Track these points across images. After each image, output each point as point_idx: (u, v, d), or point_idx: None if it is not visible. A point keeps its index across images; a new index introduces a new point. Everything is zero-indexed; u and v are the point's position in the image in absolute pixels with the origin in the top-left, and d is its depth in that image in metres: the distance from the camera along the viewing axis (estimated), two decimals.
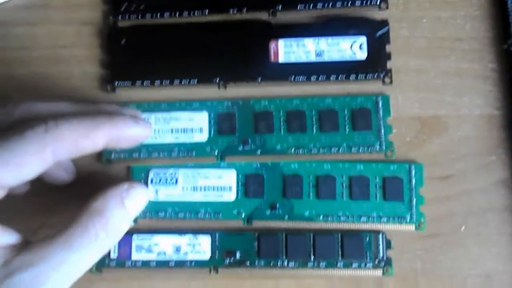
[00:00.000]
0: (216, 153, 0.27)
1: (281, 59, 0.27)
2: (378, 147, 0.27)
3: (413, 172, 0.26)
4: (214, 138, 0.27)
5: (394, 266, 0.26)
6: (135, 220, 0.25)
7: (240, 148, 0.27)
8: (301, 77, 0.27)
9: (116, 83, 0.27)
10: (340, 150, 0.26)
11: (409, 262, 0.26)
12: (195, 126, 0.27)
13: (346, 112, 0.27)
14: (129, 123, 0.22)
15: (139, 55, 0.28)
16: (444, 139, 0.27)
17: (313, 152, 0.26)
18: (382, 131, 0.27)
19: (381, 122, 0.27)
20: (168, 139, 0.27)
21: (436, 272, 0.26)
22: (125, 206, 0.21)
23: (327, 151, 0.26)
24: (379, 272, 0.26)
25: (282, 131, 0.27)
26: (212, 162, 0.27)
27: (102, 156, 0.27)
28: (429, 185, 0.27)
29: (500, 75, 0.28)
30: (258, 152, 0.27)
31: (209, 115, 0.27)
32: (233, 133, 0.27)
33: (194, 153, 0.27)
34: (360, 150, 0.26)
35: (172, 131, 0.27)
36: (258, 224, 0.26)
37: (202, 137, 0.27)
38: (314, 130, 0.27)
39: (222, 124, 0.27)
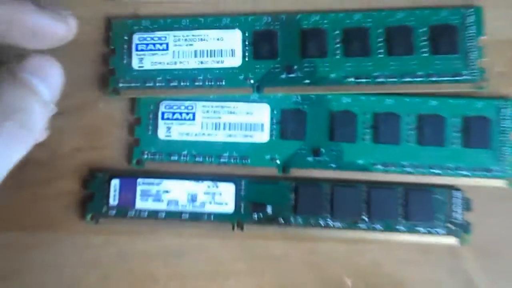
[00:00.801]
0: (251, 83, 0.22)
1: None
2: (466, 76, 0.21)
3: (505, 111, 0.21)
4: (250, 63, 0.22)
5: (474, 233, 0.21)
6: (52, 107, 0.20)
7: (283, 76, 0.22)
8: None
9: None
10: (415, 79, 0.21)
11: (496, 228, 0.22)
12: (225, 47, 0.22)
13: (423, 29, 0.22)
14: (26, 7, 0.17)
15: None
16: None
17: (378, 82, 0.22)
18: (473, 55, 0.21)
19: (471, 43, 0.21)
20: (191, 64, 0.22)
21: None
22: (22, 80, 0.17)
23: (398, 81, 0.21)
24: (453, 240, 0.21)
25: (338, 54, 0.22)
26: (246, 93, 0.22)
27: (108, 84, 0.22)
28: None
29: None
30: (306, 81, 0.22)
31: (243, 34, 0.22)
32: (274, 57, 0.22)
33: (223, 82, 0.22)
34: (442, 80, 0.21)
35: (196, 54, 0.22)
36: (296, 173, 0.22)
37: (234, 61, 0.22)
38: (381, 53, 0.22)
39: (260, 46, 0.22)
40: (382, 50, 0.22)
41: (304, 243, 0.22)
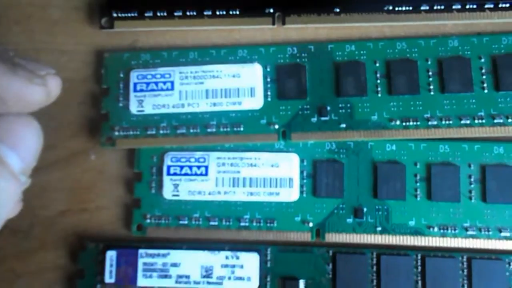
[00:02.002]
0: (276, 128, 0.19)
1: None
2: None
3: None
4: (273, 104, 0.19)
5: None
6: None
7: (314, 119, 0.19)
8: (405, 5, 0.19)
9: (115, 13, 0.20)
10: (475, 121, 0.19)
11: None
12: (243, 86, 0.19)
13: (483, 60, 0.19)
14: (4, 72, 0.14)
15: None
16: None
17: (430, 125, 0.19)
18: None
19: None
20: (202, 106, 0.19)
21: None
22: None
23: (453, 124, 0.19)
24: None
25: (379, 92, 0.19)
26: (271, 141, 0.19)
27: (101, 134, 0.19)
28: None
29: None
30: (343, 125, 0.19)
31: (264, 69, 0.20)
32: (303, 97, 0.19)
33: (242, 128, 0.19)
34: (509, 122, 0.18)
35: (207, 94, 0.19)
36: (334, 238, 0.19)
37: (254, 103, 0.19)
38: (432, 89, 0.19)
39: (285, 83, 0.19)
40: (433, 86, 0.19)
41: None
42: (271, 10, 0.20)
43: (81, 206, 0.20)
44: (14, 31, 0.21)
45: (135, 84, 0.19)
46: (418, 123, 0.19)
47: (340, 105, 0.19)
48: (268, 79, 0.20)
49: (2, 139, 0.14)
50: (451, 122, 0.19)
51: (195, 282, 0.19)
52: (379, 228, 0.19)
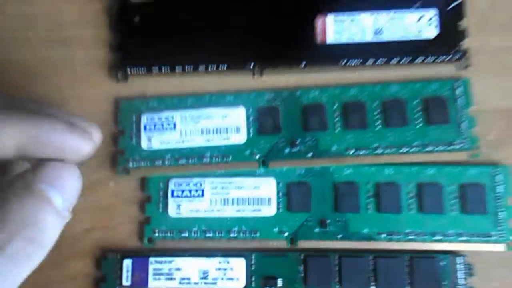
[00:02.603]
0: (257, 158, 0.23)
1: (330, 38, 0.23)
2: (459, 144, 0.22)
3: (498, 177, 0.22)
4: (254, 139, 0.23)
5: None
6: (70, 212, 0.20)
7: (287, 150, 0.23)
8: (356, 60, 0.23)
9: (129, 69, 0.24)
10: (412, 149, 0.22)
11: None
12: (230, 124, 0.23)
13: (417, 102, 0.23)
14: (56, 126, 0.17)
15: (155, 35, 0.24)
16: None
17: (377, 153, 0.22)
18: (463, 124, 0.22)
19: (461, 113, 0.22)
20: (198, 141, 0.23)
21: None
22: (37, 191, 0.16)
23: (395, 151, 0.22)
24: None
25: (338, 127, 0.23)
26: (253, 169, 0.23)
27: (118, 166, 0.23)
28: None
29: None
30: (309, 155, 0.22)
31: (247, 111, 0.23)
32: (278, 132, 0.23)
33: (230, 159, 0.23)
34: (437, 149, 0.22)
35: (202, 131, 0.23)
36: (304, 244, 0.22)
37: (239, 138, 0.23)
38: (378, 125, 0.23)
39: (264, 122, 0.23)
40: (379, 122, 0.23)
41: None
42: (252, 65, 0.23)
43: (102, 224, 0.23)
44: (43, 83, 0.24)
45: (145, 125, 0.23)
46: (368, 151, 0.22)
47: (307, 138, 0.23)
48: (250, 119, 0.23)
49: (52, 183, 0.16)
50: (393, 150, 0.22)
51: (194, 283, 0.22)
52: (340, 236, 0.22)
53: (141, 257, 0.22)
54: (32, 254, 0.15)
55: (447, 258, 0.22)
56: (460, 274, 0.22)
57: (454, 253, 0.22)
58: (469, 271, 0.22)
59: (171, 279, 0.22)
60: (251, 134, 0.23)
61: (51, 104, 0.20)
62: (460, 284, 0.22)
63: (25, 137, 0.16)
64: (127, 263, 0.22)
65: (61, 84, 0.24)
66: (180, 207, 0.22)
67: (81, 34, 0.24)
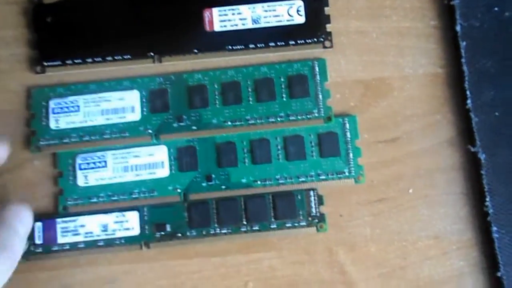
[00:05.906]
0: (150, 132, 0.26)
1: (217, 27, 0.27)
2: (316, 113, 0.26)
3: (347, 125, 0.26)
4: (147, 116, 0.26)
5: (343, 231, 0.26)
6: (29, 244, 0.25)
7: (175, 125, 0.26)
8: (239, 46, 0.27)
9: (45, 63, 0.27)
10: (278, 119, 0.26)
11: (358, 228, 0.26)
12: (126, 105, 0.26)
13: (282, 79, 0.27)
14: None
15: (67, 32, 0.27)
16: (389, 101, 0.27)
17: (250, 124, 0.26)
18: (320, 96, 0.26)
19: (318, 87, 0.26)
20: (99, 121, 0.26)
21: (386, 237, 0.26)
22: (8, 224, 0.22)
23: (265, 122, 0.26)
24: (313, 229, 0.26)
25: (217, 104, 0.26)
26: (146, 141, 0.26)
27: (31, 143, 0.26)
28: (375, 149, 0.27)
29: (443, 32, 0.28)
30: (194, 128, 0.26)
31: (141, 93, 0.26)
32: (167, 110, 0.26)
33: (127, 134, 0.26)
34: (299, 118, 0.26)
35: (102, 112, 0.26)
36: (195, 197, 0.26)
37: (134, 116, 0.26)
38: (251, 100, 0.26)
39: (155, 102, 0.26)
40: (251, 98, 0.26)
41: (214, 258, 0.26)
42: (152, 54, 0.27)
43: (25, 198, 0.26)
44: None
45: (53, 109, 0.26)
46: (242, 122, 0.26)
47: (192, 114, 0.26)
48: (144, 100, 0.26)
49: (17, 216, 0.22)
50: (263, 121, 0.26)
51: (97, 235, 0.25)
52: (223, 187, 0.26)
53: (49, 219, 0.25)
54: (8, 268, 0.21)
55: (303, 193, 0.26)
56: (313, 204, 0.26)
57: (308, 189, 0.26)
58: (320, 201, 0.26)
59: (77, 234, 0.25)
60: (144, 113, 0.26)
61: None
62: (313, 213, 0.26)
63: None
64: (38, 225, 0.25)
65: None
66: (88, 177, 0.26)
67: (2, 34, 0.27)
